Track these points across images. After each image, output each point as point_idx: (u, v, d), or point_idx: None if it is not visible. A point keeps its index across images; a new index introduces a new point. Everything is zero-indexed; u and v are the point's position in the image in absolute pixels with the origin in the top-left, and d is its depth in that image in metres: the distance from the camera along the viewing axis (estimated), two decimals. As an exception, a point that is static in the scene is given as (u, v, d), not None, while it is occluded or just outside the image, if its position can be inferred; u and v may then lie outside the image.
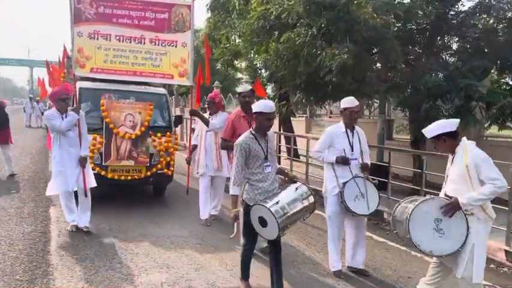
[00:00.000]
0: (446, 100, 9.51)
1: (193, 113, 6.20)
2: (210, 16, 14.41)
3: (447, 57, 9.82)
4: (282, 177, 4.03)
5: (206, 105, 6.19)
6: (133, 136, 6.60)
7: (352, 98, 4.61)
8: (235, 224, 3.93)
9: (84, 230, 5.51)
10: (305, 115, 16.76)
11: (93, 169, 6.10)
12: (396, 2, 8.24)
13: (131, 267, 4.47)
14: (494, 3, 8.74)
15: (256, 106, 3.74)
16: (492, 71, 11.26)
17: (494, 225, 5.46)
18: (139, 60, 6.30)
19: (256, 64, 15.27)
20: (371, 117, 15.04)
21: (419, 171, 7.93)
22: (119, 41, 6.19)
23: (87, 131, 5.69)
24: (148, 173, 6.84)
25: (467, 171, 3.26)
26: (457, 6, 9.31)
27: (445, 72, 8.61)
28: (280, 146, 12.67)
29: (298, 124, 14.79)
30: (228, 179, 5.78)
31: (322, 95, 10.78)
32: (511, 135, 11.47)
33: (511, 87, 11.61)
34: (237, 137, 4.54)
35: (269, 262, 3.98)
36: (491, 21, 9.38)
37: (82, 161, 5.45)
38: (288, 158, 10.77)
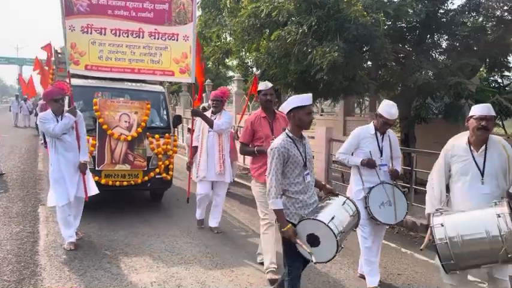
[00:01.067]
0: (436, 98, 9.60)
1: (195, 113, 5.63)
2: (201, 14, 14.37)
3: (437, 55, 9.88)
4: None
5: (211, 104, 5.70)
6: (129, 138, 6.10)
7: (393, 108, 4.02)
8: (298, 242, 3.04)
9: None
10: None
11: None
12: (386, 0, 8.24)
13: (121, 267, 4.44)
14: (483, 1, 8.80)
15: (293, 101, 3.22)
16: (481, 69, 11.40)
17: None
18: (137, 56, 5.71)
19: (248, 62, 15.27)
20: (362, 115, 15.12)
21: (409, 168, 7.98)
22: (115, 35, 5.60)
23: None
24: (146, 178, 6.32)
25: (508, 164, 3.20)
26: (446, 5, 9.37)
27: (434, 70, 8.66)
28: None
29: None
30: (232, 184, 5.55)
31: (314, 94, 10.79)
32: (500, 132, 11.59)
33: (499, 85, 11.76)
34: (258, 140, 4.36)
35: None
36: (480, 19, 9.47)
37: (82, 167, 4.98)
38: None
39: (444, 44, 9.71)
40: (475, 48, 9.22)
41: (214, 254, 4.96)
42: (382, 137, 4.15)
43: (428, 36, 9.50)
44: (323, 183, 3.62)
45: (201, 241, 5.39)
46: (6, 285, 3.91)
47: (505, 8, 8.83)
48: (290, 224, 3.06)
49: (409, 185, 6.97)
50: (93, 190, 5.15)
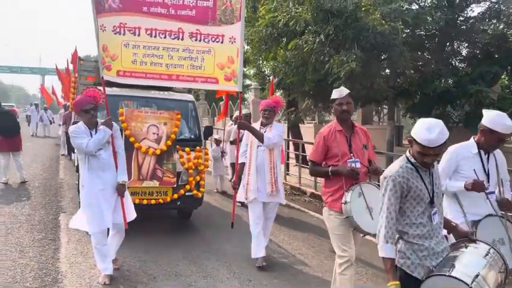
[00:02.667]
0: (456, 106, 9.47)
1: (242, 126, 4.82)
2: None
3: (457, 63, 9.78)
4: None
5: (262, 114, 4.88)
6: (157, 152, 5.55)
7: (507, 120, 3.22)
8: None
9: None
10: (313, 121, 16.74)
11: None
12: (405, 8, 8.21)
13: (140, 275, 4.48)
14: (503, 8, 8.69)
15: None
16: (503, 76, 11.22)
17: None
18: (176, 61, 4.90)
19: (265, 71, 15.33)
20: (380, 124, 15.00)
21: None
22: (150, 36, 4.81)
23: None
24: (176, 196, 5.72)
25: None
26: (466, 12, 9.30)
27: (454, 78, 8.58)
28: (288, 152, 12.67)
29: (307, 130, 14.78)
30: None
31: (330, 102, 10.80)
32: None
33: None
34: (332, 159, 3.55)
35: None
36: (501, 26, 9.35)
37: (120, 189, 4.26)
38: (296, 165, 10.74)
39: (464, 52, 9.63)
40: (496, 56, 9.11)
41: (231, 262, 4.95)
42: (488, 157, 3.36)
43: (448, 43, 9.44)
44: (453, 223, 2.80)
45: (242, 274, 4.69)
46: (28, 292, 3.99)
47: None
48: (396, 282, 2.40)
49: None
50: (132, 214, 4.46)
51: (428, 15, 8.12)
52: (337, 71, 7.54)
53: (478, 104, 8.48)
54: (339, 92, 3.65)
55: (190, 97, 6.72)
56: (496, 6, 8.87)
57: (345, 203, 3.36)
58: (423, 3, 9.40)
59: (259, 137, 4.71)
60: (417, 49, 9.40)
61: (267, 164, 4.80)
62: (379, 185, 2.70)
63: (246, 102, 26.68)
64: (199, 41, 4.96)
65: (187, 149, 5.89)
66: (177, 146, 5.78)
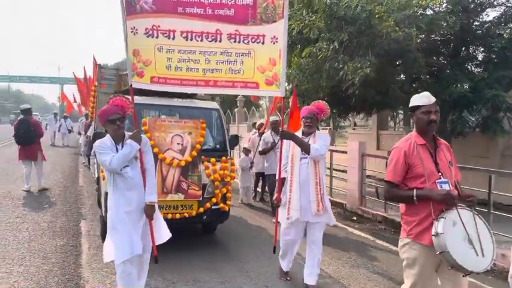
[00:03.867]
0: (473, 111, 9.39)
1: (286, 136, 4.35)
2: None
3: (472, 68, 9.70)
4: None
5: (304, 122, 4.44)
6: (182, 163, 5.28)
7: None
8: None
9: None
10: (328, 127, 16.74)
11: None
12: (419, 13, 8.21)
13: (159, 280, 4.58)
14: (519, 12, 8.62)
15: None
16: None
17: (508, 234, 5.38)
18: (213, 65, 4.52)
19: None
20: (396, 129, 14.91)
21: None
22: (186, 39, 4.43)
23: None
24: (201, 210, 5.44)
25: None
26: (481, 17, 9.23)
27: (470, 83, 8.52)
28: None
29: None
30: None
31: (346, 108, 10.84)
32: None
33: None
34: (415, 180, 2.94)
35: None
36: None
37: (148, 211, 3.80)
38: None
39: (480, 56, 9.54)
40: (512, 60, 9.00)
41: (249, 269, 5.01)
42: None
43: (463, 48, 9.38)
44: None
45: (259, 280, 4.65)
46: (53, 297, 4.13)
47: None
48: None
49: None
50: (166, 234, 4.02)
51: (443, 20, 8.09)
52: (351, 78, 7.58)
53: (495, 109, 8.41)
54: (426, 98, 3.03)
55: (214, 105, 6.47)
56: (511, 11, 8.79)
57: (436, 234, 2.75)
58: (438, 9, 9.38)
59: (306, 148, 4.22)
60: (432, 54, 9.35)
61: (312, 179, 4.28)
62: (472, 209, 2.71)
63: (260, 109, 26.84)
64: (239, 42, 4.56)
65: (212, 159, 5.62)
66: (202, 157, 5.52)
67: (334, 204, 8.36)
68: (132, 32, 4.19)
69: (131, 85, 4.20)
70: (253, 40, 4.57)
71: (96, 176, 8.79)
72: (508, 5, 8.94)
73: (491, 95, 7.91)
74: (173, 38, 4.41)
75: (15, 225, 6.57)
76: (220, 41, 4.51)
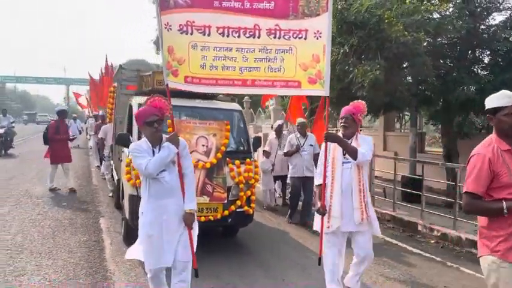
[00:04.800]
0: (480, 114, 9.59)
1: (331, 138, 3.97)
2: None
3: (479, 71, 9.90)
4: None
5: (341, 122, 4.12)
6: (207, 165, 5.22)
7: None
8: None
9: None
10: (335, 128, 16.93)
11: None
12: (427, 17, 8.42)
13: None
14: (525, 16, 8.81)
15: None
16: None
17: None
18: (251, 63, 4.19)
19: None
20: (402, 131, 15.11)
21: (453, 184, 8.05)
22: (222, 36, 4.12)
23: None
24: (226, 212, 5.36)
25: None
26: (487, 20, 9.43)
27: (476, 86, 8.72)
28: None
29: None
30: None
31: (354, 109, 11.06)
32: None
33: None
34: (502, 190, 2.59)
35: None
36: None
37: (187, 219, 3.56)
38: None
39: (486, 60, 9.73)
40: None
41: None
42: None
43: (470, 51, 9.57)
44: None
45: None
46: (83, 287, 4.39)
47: (549, 22, 8.81)
48: None
49: (453, 200, 7.02)
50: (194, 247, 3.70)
51: (450, 24, 8.30)
52: (361, 80, 7.80)
53: (501, 111, 8.61)
54: (509, 98, 2.67)
55: (237, 106, 6.45)
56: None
57: None
58: (444, 13, 9.59)
59: (352, 152, 3.84)
60: (439, 57, 9.55)
61: (355, 185, 3.92)
62: None
63: (266, 111, 27.05)
64: (279, 38, 4.19)
65: (237, 161, 5.57)
66: (227, 159, 5.48)
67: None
68: (166, 28, 3.91)
69: (167, 84, 3.90)
70: (294, 35, 4.20)
71: (109, 176, 8.68)
72: (514, 9, 9.14)
73: (497, 97, 8.10)
74: (208, 35, 4.08)
75: (37, 222, 6.84)
76: (258, 37, 4.17)
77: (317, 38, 4.17)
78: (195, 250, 3.61)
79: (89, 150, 18.71)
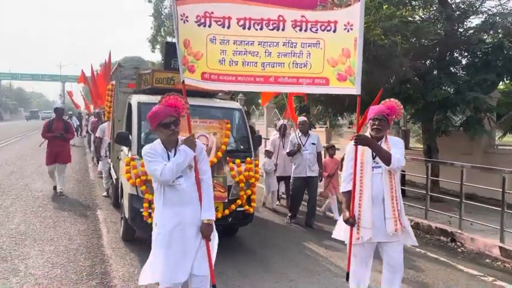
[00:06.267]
0: (457, 112, 10.12)
1: (363, 141, 3.53)
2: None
3: (458, 71, 10.41)
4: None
5: (371, 124, 3.64)
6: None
7: None
8: None
9: None
10: (325, 126, 17.45)
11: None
12: (406, 21, 8.91)
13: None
14: (499, 20, 9.30)
15: None
16: (507, 82, 11.83)
17: (490, 224, 6.12)
18: (274, 58, 3.83)
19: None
20: (390, 128, 15.64)
21: (436, 178, 8.64)
22: (243, 28, 3.77)
23: None
24: (227, 212, 5.29)
25: None
26: (465, 23, 9.93)
27: (454, 86, 9.23)
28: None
29: (319, 135, 15.51)
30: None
31: (340, 108, 11.58)
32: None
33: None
34: None
35: None
36: (500, 36, 9.95)
37: (204, 230, 3.25)
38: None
39: (464, 61, 10.25)
40: (493, 64, 9.70)
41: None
42: None
43: (448, 53, 10.08)
44: None
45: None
46: (83, 269, 4.87)
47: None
48: None
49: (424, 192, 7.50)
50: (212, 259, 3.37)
51: (428, 28, 8.79)
52: (343, 81, 8.29)
53: (477, 110, 9.13)
54: None
55: (237, 104, 6.43)
56: (493, 18, 9.47)
57: None
58: (425, 16, 10.11)
59: (386, 158, 3.47)
60: (420, 58, 10.06)
61: (387, 192, 3.55)
62: None
63: (260, 108, 27.51)
64: (305, 30, 3.83)
65: (237, 160, 5.51)
66: (228, 158, 5.42)
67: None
68: (182, 19, 3.60)
69: (183, 81, 3.60)
70: (322, 28, 3.82)
71: (115, 177, 7.49)
72: (490, 13, 9.65)
73: (471, 97, 8.61)
74: (228, 27, 3.75)
75: (39, 213, 7.31)
76: (283, 30, 3.82)
77: (347, 31, 3.79)
78: (213, 264, 3.31)
79: (86, 148, 19.12)
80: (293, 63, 3.84)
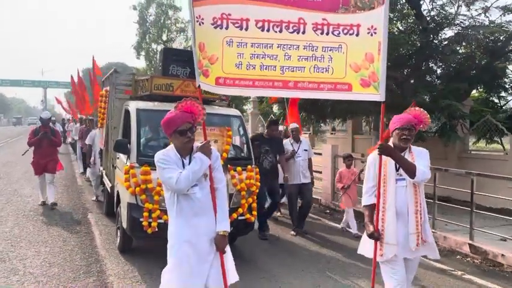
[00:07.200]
0: (433, 119, 10.66)
1: (386, 151, 3.31)
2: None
3: (434, 80, 10.97)
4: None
5: (398, 135, 3.39)
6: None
7: None
8: None
9: None
10: (308, 132, 17.90)
11: (159, 217, 4.82)
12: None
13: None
14: (471, 32, 9.88)
15: None
16: (480, 90, 12.48)
17: (460, 223, 6.57)
18: (294, 62, 3.68)
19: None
20: (370, 133, 16.17)
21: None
22: (262, 30, 3.63)
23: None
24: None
25: None
26: (440, 35, 10.51)
27: (429, 94, 9.77)
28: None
29: (302, 141, 15.93)
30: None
31: (322, 115, 12.05)
32: (498, 148, 12.56)
33: (496, 105, 12.80)
34: None
35: None
36: (472, 47, 10.55)
37: (220, 242, 3.13)
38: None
39: (439, 71, 10.83)
40: (471, 73, 10.27)
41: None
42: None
43: (424, 63, 10.63)
44: None
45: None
46: (79, 267, 5.13)
47: (491, 38, 9.94)
48: None
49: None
50: (233, 277, 3.25)
51: (403, 39, 9.30)
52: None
53: (451, 117, 9.67)
54: None
55: (236, 111, 6.40)
56: (466, 31, 10.06)
57: None
58: (403, 27, 10.66)
59: (410, 170, 3.27)
60: (398, 67, 10.58)
61: (412, 206, 3.35)
62: None
63: (244, 114, 27.89)
64: (326, 34, 3.69)
65: (238, 168, 5.47)
66: (229, 166, 5.36)
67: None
68: (197, 21, 3.47)
69: (199, 86, 3.49)
70: (345, 31, 3.68)
71: (110, 185, 6.98)
72: (462, 26, 10.24)
73: (445, 104, 9.14)
74: (246, 29, 3.61)
75: (31, 217, 7.51)
76: (303, 33, 3.67)
77: (371, 35, 3.65)
78: (228, 278, 3.16)
79: (71, 154, 19.12)
80: (314, 67, 3.69)
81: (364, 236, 3.57)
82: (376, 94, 3.62)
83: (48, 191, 8.46)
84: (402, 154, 3.37)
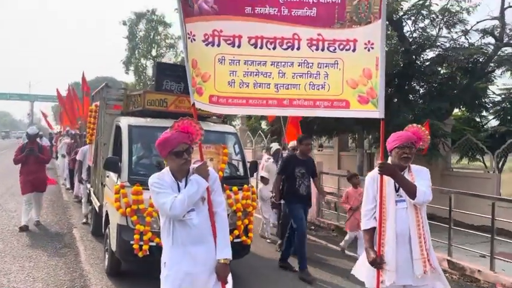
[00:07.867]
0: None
1: (387, 171, 3.17)
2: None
3: (417, 99, 11.28)
4: None
5: (398, 154, 3.23)
6: None
7: None
8: None
9: None
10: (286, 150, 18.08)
11: (151, 240, 4.63)
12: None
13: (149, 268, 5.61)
14: (452, 54, 10.24)
15: None
16: (463, 109, 12.82)
17: (440, 240, 6.72)
18: (289, 79, 3.58)
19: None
20: (356, 150, 16.43)
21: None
22: (255, 47, 3.55)
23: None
24: None
25: None
26: (422, 56, 10.86)
27: (411, 113, 10.04)
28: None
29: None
30: None
31: (310, 132, 12.27)
32: (479, 166, 12.86)
33: (478, 124, 13.16)
34: None
35: None
36: (454, 68, 10.91)
37: (221, 271, 2.89)
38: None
39: (421, 90, 11.15)
40: (449, 93, 10.59)
41: None
42: None
43: (407, 82, 10.95)
44: None
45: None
46: (63, 283, 5.15)
47: (471, 60, 10.32)
48: None
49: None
50: None
51: (387, 59, 9.59)
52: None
53: (432, 136, 9.93)
54: None
55: (232, 128, 6.16)
56: (446, 52, 10.43)
57: None
58: (386, 49, 10.98)
59: (411, 191, 3.12)
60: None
61: (414, 229, 3.17)
62: None
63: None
64: (322, 50, 3.60)
65: (234, 188, 5.23)
66: (224, 185, 4.93)
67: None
68: (189, 38, 3.37)
69: (193, 104, 3.33)
70: (341, 47, 3.58)
71: (98, 204, 6.62)
72: (443, 47, 10.61)
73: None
74: (238, 46, 3.51)
75: (15, 232, 7.48)
76: (298, 49, 3.59)
77: (368, 50, 3.55)
78: None
79: (57, 170, 18.85)
80: (309, 84, 3.57)
81: (362, 259, 3.40)
82: (375, 111, 3.52)
83: (34, 208, 8.12)
84: (403, 173, 3.22)
